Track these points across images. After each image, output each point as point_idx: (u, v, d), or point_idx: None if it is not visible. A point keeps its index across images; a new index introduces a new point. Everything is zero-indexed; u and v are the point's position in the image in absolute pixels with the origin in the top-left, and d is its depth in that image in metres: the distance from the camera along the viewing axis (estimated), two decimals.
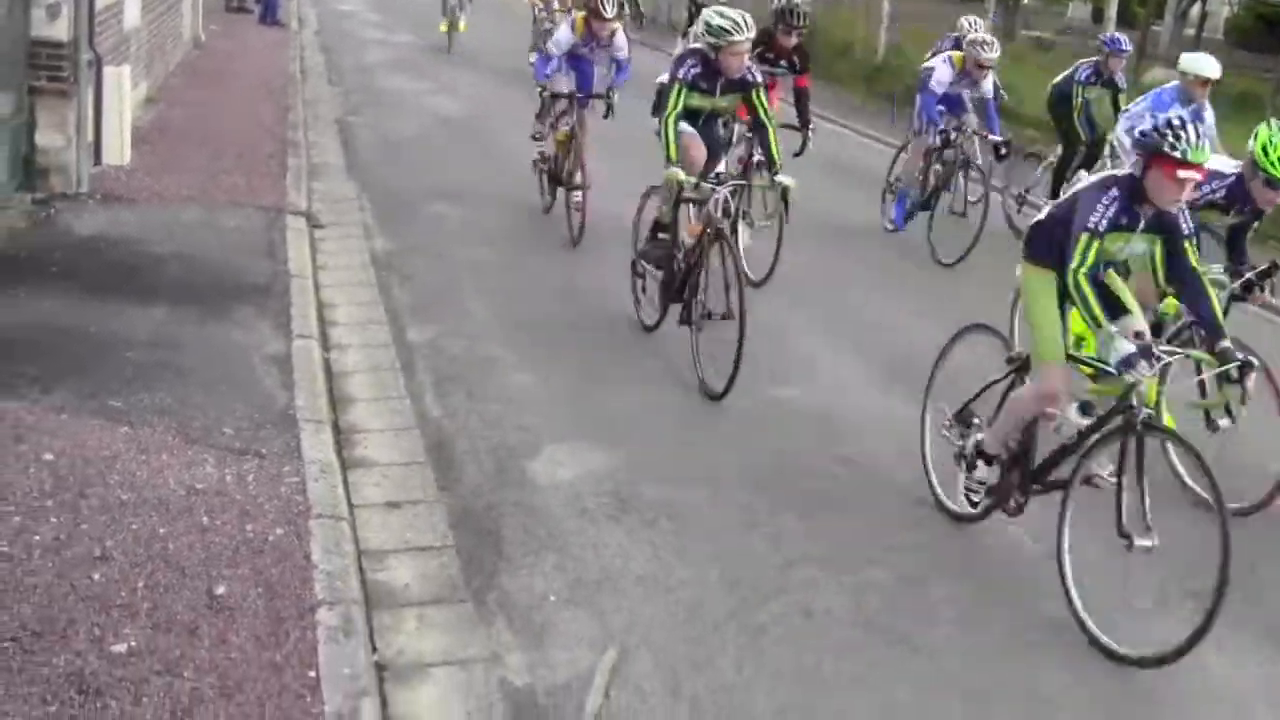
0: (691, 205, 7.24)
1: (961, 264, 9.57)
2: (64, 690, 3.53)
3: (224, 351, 6.29)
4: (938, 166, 10.10)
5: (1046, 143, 12.45)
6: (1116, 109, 10.53)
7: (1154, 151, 4.69)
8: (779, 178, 7.17)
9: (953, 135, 9.82)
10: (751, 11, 7.39)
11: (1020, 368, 5.38)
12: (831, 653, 4.49)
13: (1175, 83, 9.63)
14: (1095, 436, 4.90)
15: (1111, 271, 5.20)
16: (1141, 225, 4.89)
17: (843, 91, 18.87)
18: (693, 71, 7.12)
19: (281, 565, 4.37)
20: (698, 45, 7.40)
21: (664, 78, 7.71)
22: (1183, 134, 4.63)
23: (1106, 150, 10.23)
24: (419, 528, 5.04)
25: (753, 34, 7.06)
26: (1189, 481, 5.66)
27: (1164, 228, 4.93)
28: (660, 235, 7.57)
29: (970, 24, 10.75)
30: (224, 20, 20.04)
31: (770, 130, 7.30)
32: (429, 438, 5.91)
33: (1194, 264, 4.94)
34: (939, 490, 5.68)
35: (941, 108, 9.90)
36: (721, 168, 7.80)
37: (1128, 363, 4.61)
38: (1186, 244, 4.92)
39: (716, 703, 4.14)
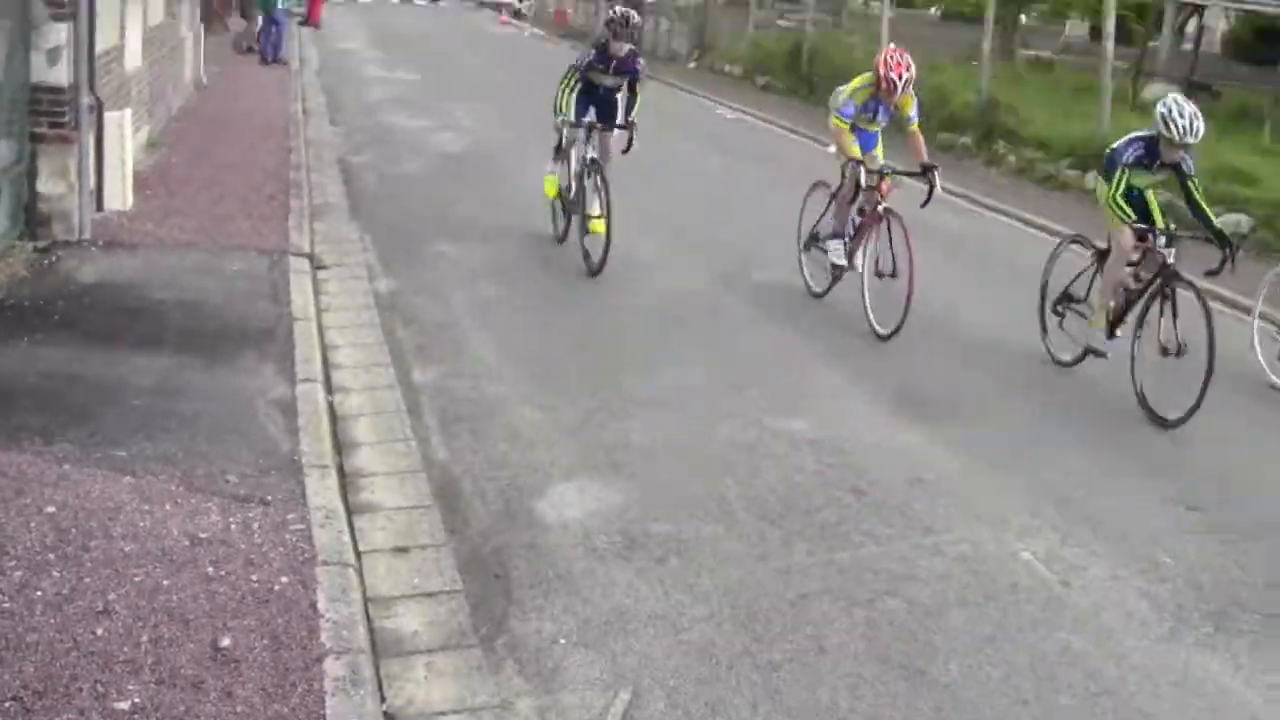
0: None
1: None
2: None
3: (228, 397, 6.25)
4: None
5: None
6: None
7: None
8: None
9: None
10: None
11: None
12: (847, 689, 4.42)
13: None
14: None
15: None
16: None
17: None
18: None
19: (287, 615, 4.31)
20: None
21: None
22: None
23: None
24: (427, 573, 4.98)
25: None
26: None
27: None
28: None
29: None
30: (226, 61, 20.14)
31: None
32: (435, 480, 5.86)
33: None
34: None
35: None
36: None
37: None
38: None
39: None
